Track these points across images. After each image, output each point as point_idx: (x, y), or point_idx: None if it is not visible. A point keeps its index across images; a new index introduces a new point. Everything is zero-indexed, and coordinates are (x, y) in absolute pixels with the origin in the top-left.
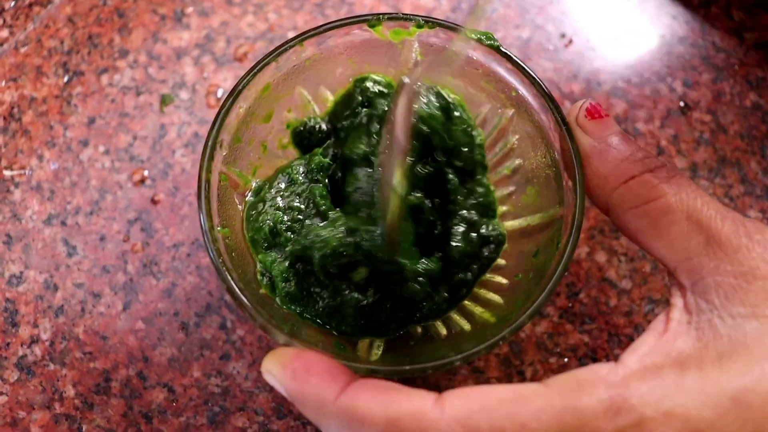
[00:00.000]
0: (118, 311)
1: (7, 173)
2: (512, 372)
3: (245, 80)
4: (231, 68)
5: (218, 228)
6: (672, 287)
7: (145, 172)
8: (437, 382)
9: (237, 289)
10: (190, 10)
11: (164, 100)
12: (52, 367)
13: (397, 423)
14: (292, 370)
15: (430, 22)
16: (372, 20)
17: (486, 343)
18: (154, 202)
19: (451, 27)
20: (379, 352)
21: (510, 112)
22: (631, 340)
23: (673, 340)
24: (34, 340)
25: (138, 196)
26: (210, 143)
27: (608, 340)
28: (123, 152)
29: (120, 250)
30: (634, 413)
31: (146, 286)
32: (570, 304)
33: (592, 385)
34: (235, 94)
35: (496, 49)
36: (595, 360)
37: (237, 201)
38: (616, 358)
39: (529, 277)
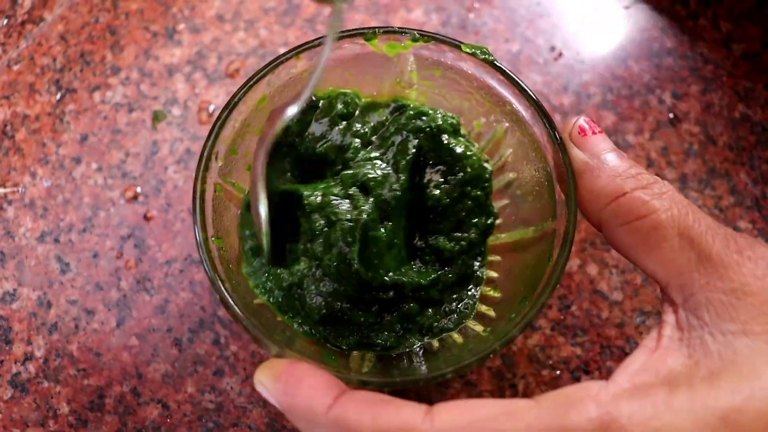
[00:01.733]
0: (111, 328)
1: (0, 191)
2: (505, 385)
3: (242, 91)
4: (223, 84)
5: (213, 239)
6: (664, 303)
7: (138, 189)
8: (430, 395)
9: (230, 300)
10: (181, 27)
11: (156, 117)
12: (46, 384)
13: None
14: (284, 382)
15: (425, 36)
16: (368, 34)
17: (478, 356)
18: (146, 218)
19: (445, 41)
20: (371, 364)
21: (504, 125)
22: (623, 352)
23: (664, 358)
24: (28, 358)
25: (131, 212)
26: (205, 154)
27: (600, 353)
28: (115, 169)
29: (113, 267)
30: None
31: (139, 303)
32: (562, 317)
33: (582, 403)
34: (231, 105)
35: (491, 63)
36: (587, 372)
37: (233, 211)
38: (608, 370)
39: (521, 290)
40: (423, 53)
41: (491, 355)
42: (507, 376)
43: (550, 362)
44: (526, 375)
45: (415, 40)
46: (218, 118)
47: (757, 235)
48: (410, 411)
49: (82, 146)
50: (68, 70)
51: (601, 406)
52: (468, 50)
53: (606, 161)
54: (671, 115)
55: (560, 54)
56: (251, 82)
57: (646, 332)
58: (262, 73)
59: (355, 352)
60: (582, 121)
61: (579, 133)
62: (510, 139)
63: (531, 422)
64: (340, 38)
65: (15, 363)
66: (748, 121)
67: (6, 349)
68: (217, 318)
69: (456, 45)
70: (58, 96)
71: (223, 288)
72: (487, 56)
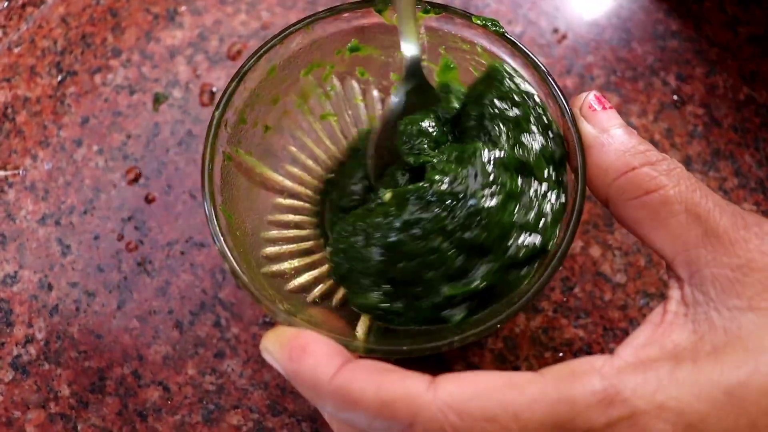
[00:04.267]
0: (112, 310)
1: (0, 173)
2: (507, 367)
3: (252, 60)
4: (224, 67)
5: (221, 207)
6: (670, 279)
7: (139, 171)
8: (433, 375)
9: (238, 268)
10: (183, 8)
11: (157, 99)
12: (47, 366)
13: (390, 405)
14: (290, 350)
15: (437, 8)
16: (379, 5)
17: (484, 325)
18: (147, 200)
19: (457, 12)
20: (378, 333)
21: None
22: (626, 334)
23: (669, 333)
24: (29, 340)
25: (132, 194)
26: (215, 122)
27: (603, 335)
28: (116, 151)
29: (114, 249)
30: (627, 405)
31: (140, 285)
32: (565, 299)
33: (586, 376)
34: (242, 74)
35: (501, 36)
36: (590, 354)
37: (242, 180)
38: (611, 353)
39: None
40: (433, 25)
41: (497, 326)
42: (510, 359)
43: (553, 344)
44: (528, 357)
45: (426, 11)
46: (228, 86)
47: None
48: (414, 381)
49: (83, 128)
50: (69, 53)
51: (605, 379)
52: (479, 22)
53: (615, 136)
54: (675, 97)
55: (564, 36)
56: (261, 52)
57: (650, 314)
58: (272, 43)
59: (362, 322)
60: (592, 96)
61: (589, 108)
62: None
63: (534, 394)
64: (351, 9)
65: (16, 345)
66: (753, 103)
67: (7, 332)
68: (218, 300)
69: (467, 16)
70: (59, 78)
71: (231, 256)
72: (497, 28)
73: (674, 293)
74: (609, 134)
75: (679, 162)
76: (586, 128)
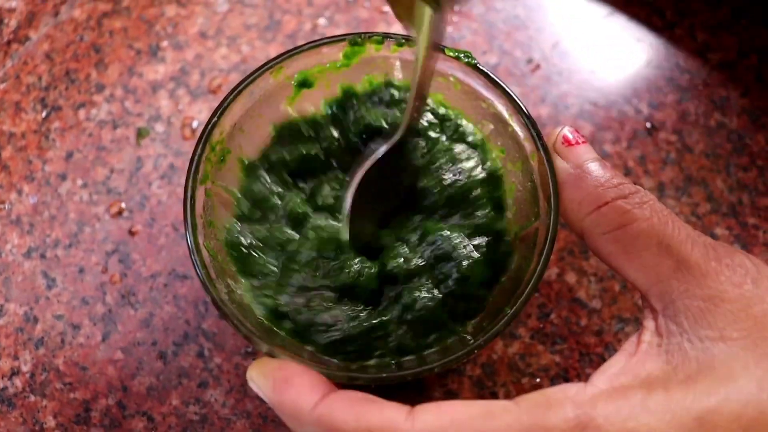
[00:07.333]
0: (97, 342)
1: None
2: (485, 393)
3: (230, 97)
4: (206, 100)
5: (204, 241)
6: (644, 310)
7: (123, 204)
8: (412, 402)
9: (220, 301)
10: (165, 44)
11: (140, 133)
12: (32, 398)
13: None
14: (273, 381)
15: (411, 40)
16: (353, 39)
17: (462, 351)
18: (131, 233)
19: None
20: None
21: (489, 127)
22: (602, 359)
23: (643, 362)
24: (15, 372)
25: (115, 228)
26: (196, 157)
27: (579, 360)
28: (100, 185)
29: (98, 282)
30: None
31: (125, 317)
32: (541, 325)
33: (560, 404)
34: (221, 110)
35: (474, 67)
36: (566, 380)
37: (224, 214)
38: (587, 378)
39: (506, 287)
40: (409, 58)
41: (475, 351)
42: (487, 384)
43: (530, 370)
44: (506, 383)
45: (400, 45)
46: (209, 121)
47: (734, 241)
48: (393, 411)
49: (67, 163)
50: (53, 89)
51: (578, 407)
52: (451, 54)
53: (589, 171)
54: (648, 125)
55: (537, 66)
56: (242, 86)
57: (625, 339)
58: (253, 77)
59: None
60: (566, 130)
61: (563, 143)
62: (494, 142)
63: (510, 422)
64: (325, 44)
65: (2, 378)
66: (724, 129)
67: None
68: (201, 331)
69: (440, 49)
70: (44, 114)
71: (213, 289)
72: (470, 60)
73: (648, 324)
74: (583, 169)
75: (652, 188)
76: (560, 164)
